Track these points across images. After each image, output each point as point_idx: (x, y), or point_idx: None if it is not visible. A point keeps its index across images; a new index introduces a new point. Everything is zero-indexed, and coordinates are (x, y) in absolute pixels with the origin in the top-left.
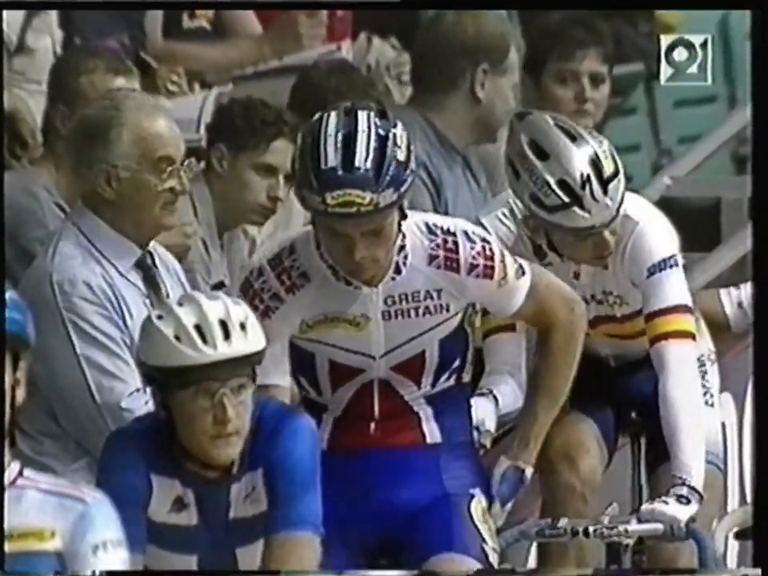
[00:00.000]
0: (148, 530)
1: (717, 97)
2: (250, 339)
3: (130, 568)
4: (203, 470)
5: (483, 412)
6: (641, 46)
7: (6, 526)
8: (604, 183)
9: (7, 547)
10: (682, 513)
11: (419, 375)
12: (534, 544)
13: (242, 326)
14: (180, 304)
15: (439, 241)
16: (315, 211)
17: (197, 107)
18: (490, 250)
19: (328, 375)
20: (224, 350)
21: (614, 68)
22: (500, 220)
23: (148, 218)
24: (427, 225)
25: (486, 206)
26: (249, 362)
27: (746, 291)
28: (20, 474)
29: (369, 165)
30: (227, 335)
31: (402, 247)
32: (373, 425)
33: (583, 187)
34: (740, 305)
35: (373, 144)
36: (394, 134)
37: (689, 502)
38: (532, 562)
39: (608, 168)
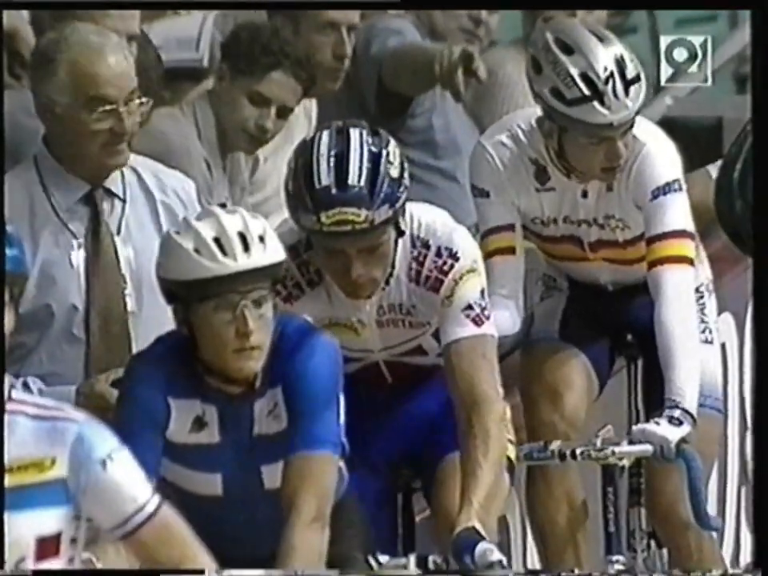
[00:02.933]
0: (170, 452)
1: (718, 16)
2: (268, 251)
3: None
4: (226, 386)
5: None
6: None
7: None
8: (626, 83)
9: (6, 482)
10: (673, 434)
11: (423, 354)
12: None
13: (261, 239)
14: (198, 219)
15: (416, 254)
16: (311, 231)
17: (196, 26)
18: (450, 266)
19: None
20: (243, 261)
21: None
22: (502, 143)
23: (87, 157)
24: (412, 236)
25: (488, 130)
26: (268, 274)
27: None
28: (9, 397)
29: (362, 182)
30: (246, 247)
31: (393, 260)
32: (389, 381)
33: (606, 82)
34: None
35: (366, 161)
36: (387, 152)
37: (680, 423)
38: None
39: (632, 70)
